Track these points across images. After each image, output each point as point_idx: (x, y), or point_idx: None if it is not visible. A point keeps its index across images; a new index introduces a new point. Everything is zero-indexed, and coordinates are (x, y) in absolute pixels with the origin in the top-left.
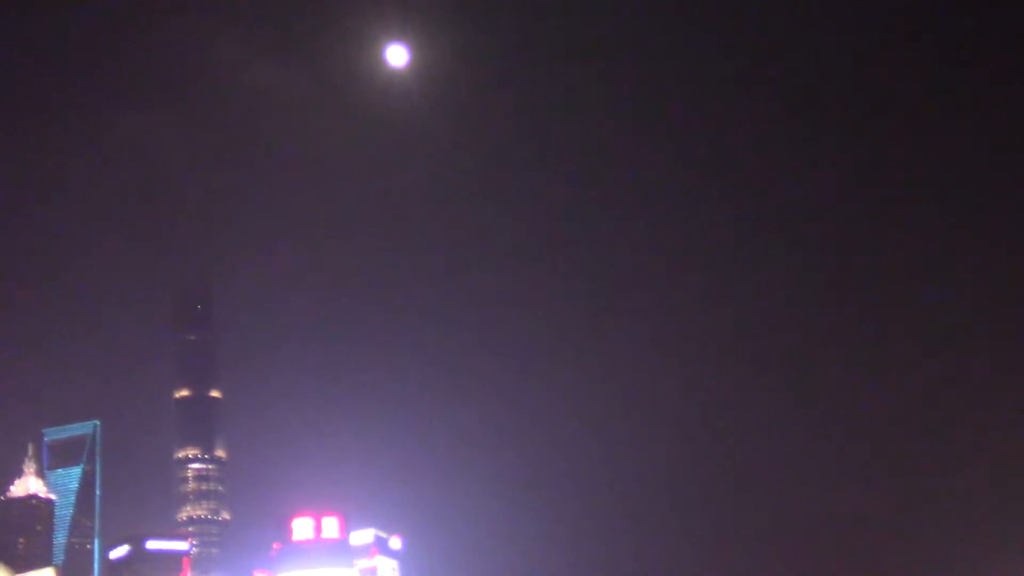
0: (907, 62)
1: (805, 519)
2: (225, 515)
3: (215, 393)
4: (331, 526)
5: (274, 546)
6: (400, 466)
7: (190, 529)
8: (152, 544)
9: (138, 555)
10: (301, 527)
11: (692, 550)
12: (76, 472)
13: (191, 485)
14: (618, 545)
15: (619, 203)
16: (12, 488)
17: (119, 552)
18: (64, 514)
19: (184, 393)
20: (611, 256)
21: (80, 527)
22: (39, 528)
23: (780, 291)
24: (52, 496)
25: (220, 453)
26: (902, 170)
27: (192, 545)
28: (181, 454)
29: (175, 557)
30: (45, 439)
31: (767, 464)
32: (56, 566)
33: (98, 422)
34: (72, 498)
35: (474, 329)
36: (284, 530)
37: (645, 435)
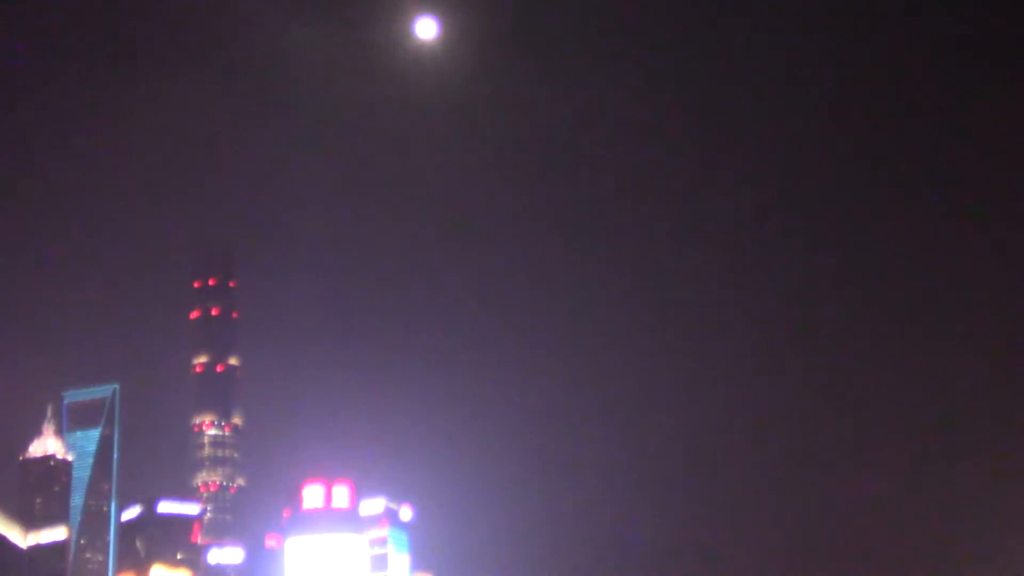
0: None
1: (816, 506)
2: (240, 481)
3: (233, 360)
4: (341, 494)
5: (284, 513)
6: (414, 434)
7: (204, 495)
8: (164, 506)
9: (149, 517)
10: (311, 495)
11: (703, 527)
12: (94, 434)
13: (207, 451)
14: (632, 517)
15: (645, 184)
16: (31, 448)
17: (131, 513)
18: (82, 476)
19: (203, 359)
20: (634, 238)
21: (97, 489)
22: (56, 489)
23: (788, 283)
24: (70, 457)
25: (236, 420)
26: (919, 164)
27: (205, 510)
28: (198, 420)
29: (186, 521)
30: (65, 401)
31: (778, 454)
32: (70, 526)
33: (117, 385)
34: (90, 460)
35: (491, 302)
36: (296, 497)
37: (663, 405)
